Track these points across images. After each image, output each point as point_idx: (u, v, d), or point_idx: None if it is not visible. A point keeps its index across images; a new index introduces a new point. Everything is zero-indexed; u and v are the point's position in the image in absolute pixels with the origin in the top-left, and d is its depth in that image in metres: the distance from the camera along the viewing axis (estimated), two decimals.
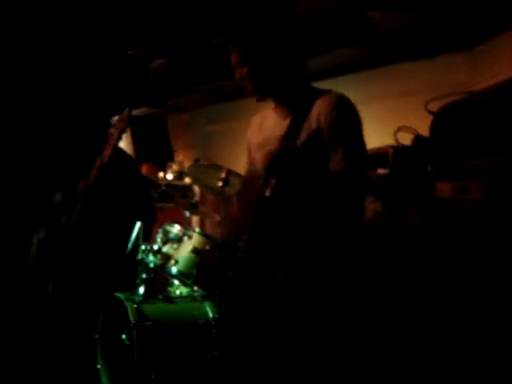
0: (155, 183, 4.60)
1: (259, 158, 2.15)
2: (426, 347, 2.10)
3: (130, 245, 3.32)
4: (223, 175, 3.45)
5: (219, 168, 3.55)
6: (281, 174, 1.93)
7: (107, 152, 2.50)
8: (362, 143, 2.01)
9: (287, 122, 2.01)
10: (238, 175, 3.45)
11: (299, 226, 1.97)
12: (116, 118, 2.59)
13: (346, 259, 2.03)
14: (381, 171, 2.76)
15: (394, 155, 2.60)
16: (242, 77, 2.04)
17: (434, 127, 2.28)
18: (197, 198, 5.98)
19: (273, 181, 1.92)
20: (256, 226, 1.98)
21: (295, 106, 2.02)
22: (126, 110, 2.56)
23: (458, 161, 1.98)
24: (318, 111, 1.97)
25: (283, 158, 1.93)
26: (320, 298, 2.00)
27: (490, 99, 1.96)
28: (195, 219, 6.08)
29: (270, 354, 2.06)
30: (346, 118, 1.96)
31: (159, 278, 3.50)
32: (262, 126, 2.26)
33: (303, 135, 1.94)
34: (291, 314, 2.01)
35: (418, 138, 2.55)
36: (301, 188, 1.96)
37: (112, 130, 2.55)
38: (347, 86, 4.71)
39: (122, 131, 2.54)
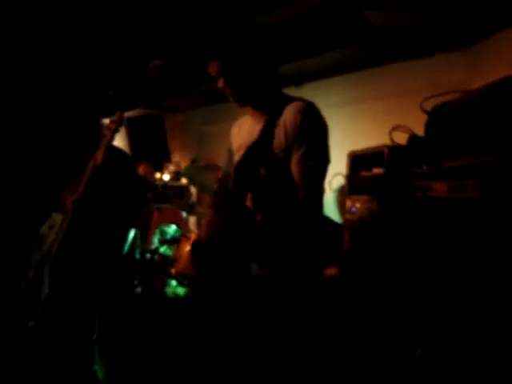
0: (152, 184, 4.59)
1: (235, 160, 2.28)
2: (422, 347, 2.11)
3: (126, 246, 3.34)
4: (220, 176, 3.47)
5: (215, 168, 3.57)
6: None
7: (100, 153, 2.51)
8: (324, 147, 2.12)
9: (260, 127, 2.13)
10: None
11: (268, 222, 2.08)
12: (108, 119, 2.59)
13: (311, 252, 2.14)
14: (376, 171, 2.78)
15: (389, 155, 2.61)
16: (221, 86, 2.19)
17: (428, 126, 2.29)
18: (193, 198, 5.99)
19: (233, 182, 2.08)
20: (223, 223, 2.09)
21: (268, 112, 2.16)
22: (119, 112, 2.57)
23: (453, 160, 2.00)
24: (285, 117, 2.09)
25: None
26: (294, 292, 2.11)
27: (482, 98, 1.97)
28: (192, 220, 6.10)
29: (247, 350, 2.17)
30: (309, 123, 2.07)
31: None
32: (240, 132, 2.42)
33: (274, 140, 2.07)
34: (267, 307, 2.12)
35: (413, 138, 2.56)
36: (270, 190, 2.09)
37: (105, 132, 2.55)
38: (343, 86, 4.75)
39: (115, 132, 2.54)
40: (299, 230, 2.10)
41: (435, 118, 2.23)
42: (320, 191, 2.12)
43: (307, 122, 2.06)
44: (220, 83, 2.18)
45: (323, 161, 2.11)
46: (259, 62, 2.17)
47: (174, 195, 5.29)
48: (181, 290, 3.55)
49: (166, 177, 6.33)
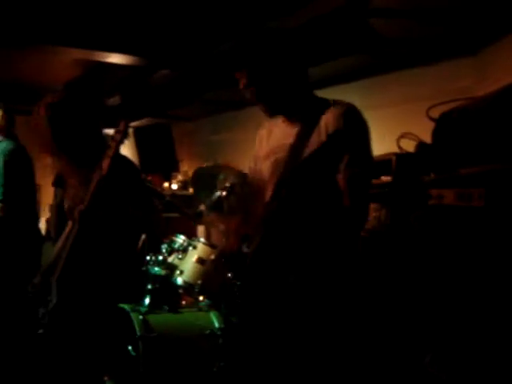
0: (160, 193, 4.59)
1: (266, 167, 2.19)
2: (431, 354, 2.08)
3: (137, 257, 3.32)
4: (228, 184, 3.45)
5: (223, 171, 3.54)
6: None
7: (105, 164, 2.50)
8: (369, 152, 2.03)
9: (296, 130, 2.04)
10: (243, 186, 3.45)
11: (309, 233, 2.00)
12: (114, 130, 2.59)
13: (351, 265, 2.06)
14: (384, 179, 2.76)
15: (396, 162, 2.59)
16: (250, 97, 2.10)
17: (435, 134, 2.27)
18: (202, 207, 5.98)
19: (283, 192, 1.96)
20: (265, 234, 1.99)
21: (303, 117, 2.04)
22: (123, 122, 2.56)
23: (460, 167, 1.98)
24: (327, 121, 1.98)
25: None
26: (328, 301, 2.03)
27: (488, 105, 1.95)
28: (201, 229, 6.08)
29: (281, 363, 2.06)
30: (354, 128, 1.97)
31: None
32: (270, 137, 2.29)
33: (312, 145, 1.95)
34: (303, 318, 2.02)
35: (421, 145, 2.55)
36: (310, 197, 1.99)
37: (110, 142, 2.55)
38: (350, 94, 4.70)
39: (120, 143, 2.54)
40: (344, 238, 2.02)
41: (442, 125, 2.21)
42: (367, 199, 2.06)
43: (351, 126, 1.96)
44: (248, 95, 2.10)
45: (369, 166, 2.03)
46: (290, 65, 2.07)
47: (181, 204, 5.29)
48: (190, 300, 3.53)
49: (175, 186, 6.33)
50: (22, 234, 3.56)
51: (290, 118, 2.15)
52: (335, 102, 2.05)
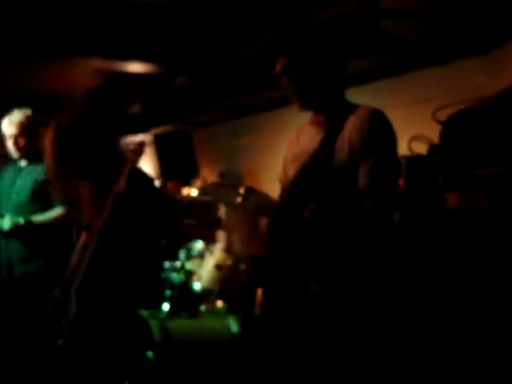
0: (178, 201, 4.64)
1: (292, 170, 2.18)
2: (439, 363, 2.07)
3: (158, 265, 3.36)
4: (242, 191, 3.48)
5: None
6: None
7: (122, 182, 2.51)
8: (393, 158, 2.00)
9: (321, 135, 2.03)
10: (256, 191, 3.48)
11: (332, 241, 1.96)
12: (132, 143, 2.63)
13: (376, 274, 2.02)
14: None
15: (407, 165, 2.57)
16: (284, 85, 2.11)
17: (442, 136, 2.26)
18: (221, 213, 5.99)
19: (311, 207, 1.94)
20: (290, 241, 2.01)
21: (331, 118, 2.05)
22: (139, 145, 2.59)
23: (465, 170, 1.96)
24: (351, 126, 1.97)
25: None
26: (353, 312, 1.99)
27: (493, 106, 1.93)
28: (220, 235, 6.09)
29: (305, 369, 2.04)
30: (378, 133, 1.95)
31: None
32: (299, 139, 2.29)
33: (336, 151, 1.96)
34: (325, 326, 1.99)
35: (432, 148, 2.53)
36: (335, 206, 1.96)
37: (127, 161, 2.56)
38: (361, 97, 4.68)
39: (136, 161, 2.58)
40: (365, 247, 1.97)
41: (448, 127, 2.20)
42: (391, 206, 2.01)
43: (375, 131, 1.94)
44: (283, 82, 2.10)
45: (393, 173, 2.01)
46: (325, 59, 2.07)
47: (200, 210, 5.32)
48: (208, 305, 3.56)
49: (194, 192, 6.36)
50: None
51: (319, 114, 2.14)
52: (360, 106, 2.05)
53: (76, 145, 2.70)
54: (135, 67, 4.58)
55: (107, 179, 2.58)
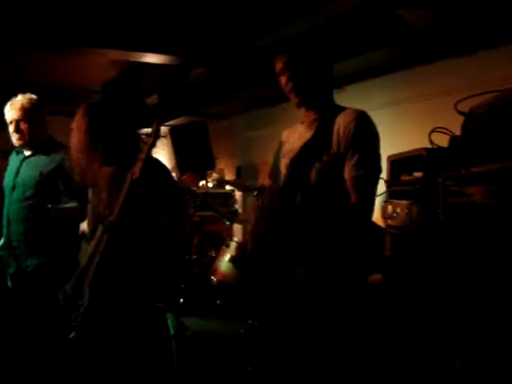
0: (194, 193, 4.61)
1: (283, 164, 2.37)
2: (460, 360, 2.03)
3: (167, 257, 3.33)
4: (259, 185, 3.48)
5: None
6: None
7: (137, 168, 2.52)
8: (376, 155, 2.19)
9: (311, 133, 2.22)
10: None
11: (319, 227, 2.14)
12: (146, 131, 2.61)
13: (357, 257, 2.19)
14: (417, 174, 2.69)
15: (427, 158, 2.53)
16: (284, 83, 2.25)
17: (464, 128, 2.21)
18: (237, 205, 5.97)
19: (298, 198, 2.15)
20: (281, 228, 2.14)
21: (320, 117, 2.25)
22: (154, 125, 2.57)
23: (488, 163, 1.91)
24: (338, 125, 2.15)
25: None
26: (346, 300, 2.16)
27: None
28: (237, 227, 6.08)
29: (305, 361, 2.17)
30: (363, 131, 2.13)
31: None
32: (289, 139, 2.47)
33: (324, 147, 2.15)
34: (314, 313, 2.15)
35: (453, 140, 2.47)
36: (319, 194, 2.16)
37: (142, 146, 2.56)
38: (382, 88, 4.64)
39: (152, 146, 2.55)
40: (347, 235, 2.16)
41: (470, 119, 2.15)
42: (371, 199, 2.18)
43: (361, 130, 2.12)
44: (283, 78, 2.24)
45: (375, 169, 2.17)
46: (323, 58, 2.27)
47: (217, 203, 5.30)
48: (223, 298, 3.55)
49: (210, 184, 6.35)
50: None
51: (310, 111, 2.30)
52: (348, 108, 2.23)
53: (105, 128, 2.70)
54: (151, 58, 4.55)
55: (128, 165, 2.57)
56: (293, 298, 2.20)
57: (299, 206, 2.13)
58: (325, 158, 2.13)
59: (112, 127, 2.73)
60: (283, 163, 2.37)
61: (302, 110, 2.33)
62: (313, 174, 2.15)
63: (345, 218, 2.15)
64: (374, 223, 3.14)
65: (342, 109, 2.23)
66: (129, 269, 2.69)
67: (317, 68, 2.24)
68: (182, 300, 3.19)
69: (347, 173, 2.12)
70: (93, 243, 2.71)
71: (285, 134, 2.54)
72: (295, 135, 2.39)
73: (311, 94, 2.25)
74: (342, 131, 2.12)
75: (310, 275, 2.15)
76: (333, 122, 2.15)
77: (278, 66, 2.25)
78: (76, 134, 2.74)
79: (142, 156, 2.53)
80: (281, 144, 2.53)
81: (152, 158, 2.75)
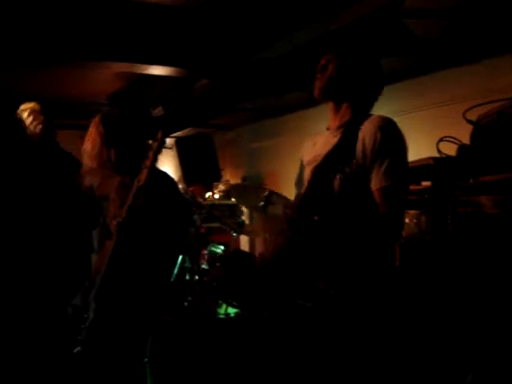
0: (200, 204, 4.60)
1: (308, 171, 2.26)
2: (473, 372, 2.00)
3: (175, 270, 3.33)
4: (265, 194, 3.46)
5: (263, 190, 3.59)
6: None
7: (143, 175, 2.53)
8: (404, 164, 2.09)
9: (336, 139, 2.10)
10: (279, 195, 3.46)
11: (342, 240, 2.04)
12: (151, 141, 2.63)
13: (387, 276, 2.10)
14: (425, 184, 2.68)
15: (435, 167, 2.52)
16: (324, 72, 2.18)
17: (473, 137, 2.20)
18: (244, 217, 5.96)
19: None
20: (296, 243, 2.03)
21: (347, 123, 2.15)
22: (160, 132, 2.59)
23: (498, 173, 1.89)
24: (364, 134, 2.04)
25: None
26: (369, 313, 2.04)
27: None
28: (244, 239, 6.06)
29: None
30: (390, 140, 2.04)
31: None
32: (314, 146, 2.38)
33: (348, 156, 2.01)
34: (346, 330, 2.04)
35: (461, 149, 2.46)
36: (344, 209, 2.05)
37: (148, 153, 2.58)
38: (388, 98, 4.61)
39: (157, 153, 2.57)
40: (377, 247, 2.06)
41: (479, 127, 2.13)
42: (401, 210, 2.10)
43: (388, 138, 2.03)
44: (329, 68, 2.16)
45: (405, 178, 2.08)
46: (371, 64, 2.25)
47: (223, 214, 5.30)
48: (232, 310, 3.52)
49: (217, 195, 6.35)
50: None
51: (337, 110, 2.23)
52: (376, 115, 2.14)
53: (119, 137, 2.76)
54: (157, 71, 4.57)
55: (136, 175, 2.59)
56: (319, 312, 2.08)
57: (317, 222, 2.02)
58: (347, 169, 2.01)
59: (125, 136, 2.78)
60: (307, 171, 2.29)
61: (330, 115, 2.28)
62: (336, 185, 2.05)
63: (372, 230, 2.04)
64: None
65: (369, 115, 2.16)
66: (135, 280, 2.68)
67: (363, 67, 2.21)
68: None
69: (374, 183, 2.03)
70: (100, 255, 2.71)
71: (310, 142, 2.44)
72: (321, 141, 2.31)
73: (346, 94, 2.20)
74: (367, 140, 2.03)
75: (331, 288, 2.07)
76: (358, 130, 2.05)
77: (326, 57, 2.19)
78: (91, 141, 2.79)
79: (148, 163, 2.54)
80: (303, 154, 2.46)
81: (159, 170, 2.76)
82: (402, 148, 2.09)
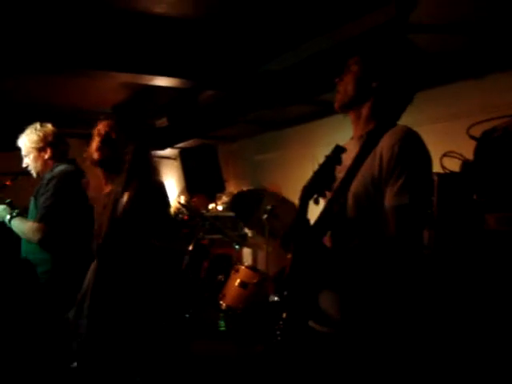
0: (203, 216, 4.58)
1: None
2: None
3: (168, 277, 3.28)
4: (269, 207, 3.44)
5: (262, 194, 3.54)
6: None
7: (121, 180, 2.54)
8: (423, 180, 1.88)
9: (356, 150, 1.96)
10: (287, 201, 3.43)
11: (354, 264, 1.89)
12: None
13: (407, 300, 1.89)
14: None
15: (439, 183, 2.49)
16: (347, 74, 2.05)
17: (477, 153, 2.17)
18: (246, 229, 5.93)
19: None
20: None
21: (368, 133, 1.98)
22: (131, 145, 2.60)
23: (502, 189, 1.87)
24: (382, 146, 1.88)
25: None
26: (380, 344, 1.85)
27: None
28: (247, 251, 6.03)
29: None
30: (409, 154, 1.84)
31: None
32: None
33: (364, 169, 1.89)
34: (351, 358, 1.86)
35: (465, 164, 2.44)
36: (356, 227, 1.90)
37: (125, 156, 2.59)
38: None
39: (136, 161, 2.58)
40: (385, 270, 1.84)
41: (483, 144, 2.11)
42: (412, 233, 1.85)
43: (406, 152, 1.82)
44: (353, 69, 2.05)
45: (421, 198, 1.85)
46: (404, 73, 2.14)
47: (226, 226, 5.27)
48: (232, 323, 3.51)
49: (220, 207, 6.33)
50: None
51: (357, 121, 2.07)
52: (398, 126, 1.97)
53: (122, 144, 2.75)
54: (162, 81, 4.57)
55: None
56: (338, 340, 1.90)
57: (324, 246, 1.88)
58: (364, 186, 1.87)
59: (123, 142, 2.76)
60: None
61: (352, 124, 2.10)
62: (349, 203, 1.90)
63: (381, 252, 1.84)
64: None
65: (393, 125, 1.97)
66: (122, 298, 2.64)
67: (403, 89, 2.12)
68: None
69: (387, 202, 1.83)
70: (91, 269, 2.68)
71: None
72: (348, 150, 2.06)
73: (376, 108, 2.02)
74: (384, 155, 1.85)
75: (338, 313, 1.90)
76: (377, 142, 1.89)
77: (351, 61, 2.07)
78: (95, 149, 2.77)
79: (126, 167, 2.55)
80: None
81: (153, 180, 2.74)
82: (423, 163, 1.88)
